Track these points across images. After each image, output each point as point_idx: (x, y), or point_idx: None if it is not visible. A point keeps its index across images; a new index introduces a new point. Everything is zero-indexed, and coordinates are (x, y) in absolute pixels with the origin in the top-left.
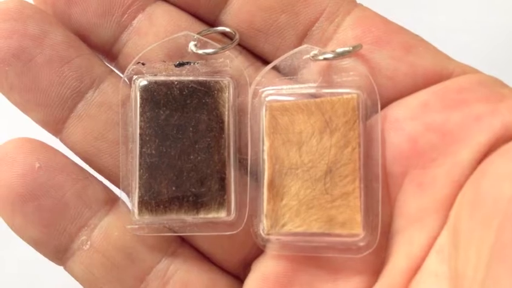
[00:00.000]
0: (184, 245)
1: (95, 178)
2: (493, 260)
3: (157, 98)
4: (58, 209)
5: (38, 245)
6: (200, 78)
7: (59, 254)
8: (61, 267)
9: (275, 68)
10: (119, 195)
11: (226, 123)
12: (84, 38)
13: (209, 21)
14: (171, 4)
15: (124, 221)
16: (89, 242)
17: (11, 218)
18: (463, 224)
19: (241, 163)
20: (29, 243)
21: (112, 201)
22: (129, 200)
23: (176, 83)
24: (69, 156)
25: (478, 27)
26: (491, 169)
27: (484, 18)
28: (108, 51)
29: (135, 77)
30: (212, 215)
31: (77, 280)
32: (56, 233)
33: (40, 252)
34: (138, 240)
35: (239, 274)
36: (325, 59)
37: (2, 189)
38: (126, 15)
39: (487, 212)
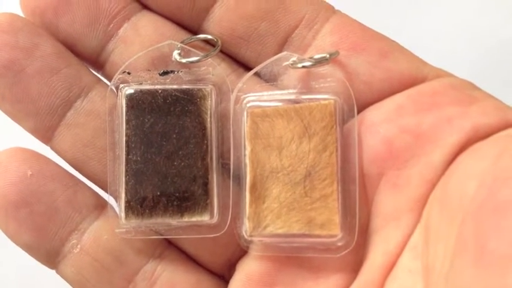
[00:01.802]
0: (171, 247)
1: (85, 184)
2: (455, 253)
3: (142, 106)
4: (49, 214)
5: (31, 249)
6: (183, 87)
7: (51, 257)
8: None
9: (256, 74)
10: (108, 200)
11: (208, 129)
12: (71, 47)
13: (192, 29)
14: (156, 13)
15: (112, 225)
16: (79, 246)
17: (5, 224)
18: (432, 221)
19: (224, 168)
20: (22, 247)
21: (101, 206)
22: (117, 205)
23: (160, 91)
24: (59, 163)
25: (461, 34)
26: (458, 169)
27: (467, 24)
28: (95, 60)
29: (121, 85)
30: (196, 219)
31: (68, 282)
32: (47, 238)
33: (33, 257)
34: (126, 243)
35: (224, 274)
36: (303, 67)
37: None
38: (112, 25)
39: (453, 210)
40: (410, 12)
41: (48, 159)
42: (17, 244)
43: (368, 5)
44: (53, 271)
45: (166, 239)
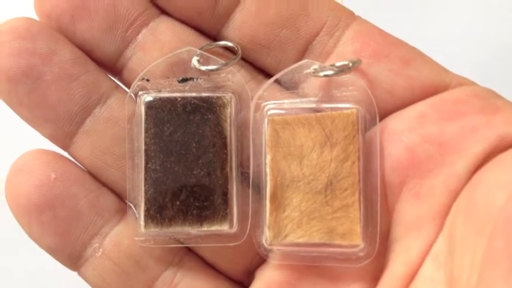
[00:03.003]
0: (190, 254)
1: (107, 188)
2: (485, 266)
3: (161, 114)
4: (72, 218)
5: (54, 252)
6: (203, 95)
7: (73, 260)
8: (67, 277)
9: (277, 82)
10: (128, 206)
11: (228, 138)
12: (88, 53)
13: (212, 35)
14: (175, 19)
15: (133, 230)
16: (100, 250)
17: (29, 227)
18: (457, 231)
19: (244, 176)
20: (45, 250)
21: (123, 210)
22: (136, 212)
23: (180, 99)
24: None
25: (471, 38)
26: (484, 179)
27: (477, 29)
28: (113, 66)
29: (140, 92)
30: (215, 228)
31: (90, 286)
32: (70, 241)
33: (56, 259)
34: (146, 249)
35: (243, 282)
36: (325, 75)
37: (20, 200)
38: (130, 31)
39: (480, 220)
40: (417, 17)
41: (71, 162)
42: (41, 246)
43: (373, 10)
44: (67, 277)
45: (186, 246)
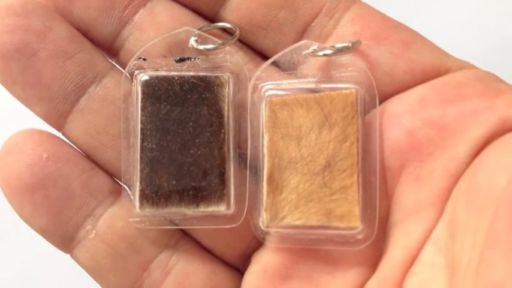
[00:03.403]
0: (186, 238)
1: (101, 169)
2: (486, 247)
3: (158, 93)
4: (65, 198)
5: (46, 233)
6: (200, 74)
7: (66, 242)
8: (57, 266)
9: (275, 63)
10: (122, 187)
11: (226, 118)
12: (85, 33)
13: (209, 16)
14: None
15: (127, 212)
16: (94, 231)
17: (20, 207)
18: (458, 214)
19: (241, 157)
20: (37, 231)
21: (117, 192)
22: (130, 193)
23: (177, 78)
24: None
25: (470, 29)
26: (486, 161)
27: (472, 22)
28: (110, 47)
29: (136, 72)
30: (212, 209)
31: (83, 268)
32: (62, 222)
33: (48, 240)
34: (141, 231)
35: (239, 266)
36: (324, 55)
37: (11, 180)
38: (127, 11)
39: (482, 202)
40: (415, 9)
41: (64, 141)
42: (32, 228)
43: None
44: (57, 266)
45: (181, 229)
